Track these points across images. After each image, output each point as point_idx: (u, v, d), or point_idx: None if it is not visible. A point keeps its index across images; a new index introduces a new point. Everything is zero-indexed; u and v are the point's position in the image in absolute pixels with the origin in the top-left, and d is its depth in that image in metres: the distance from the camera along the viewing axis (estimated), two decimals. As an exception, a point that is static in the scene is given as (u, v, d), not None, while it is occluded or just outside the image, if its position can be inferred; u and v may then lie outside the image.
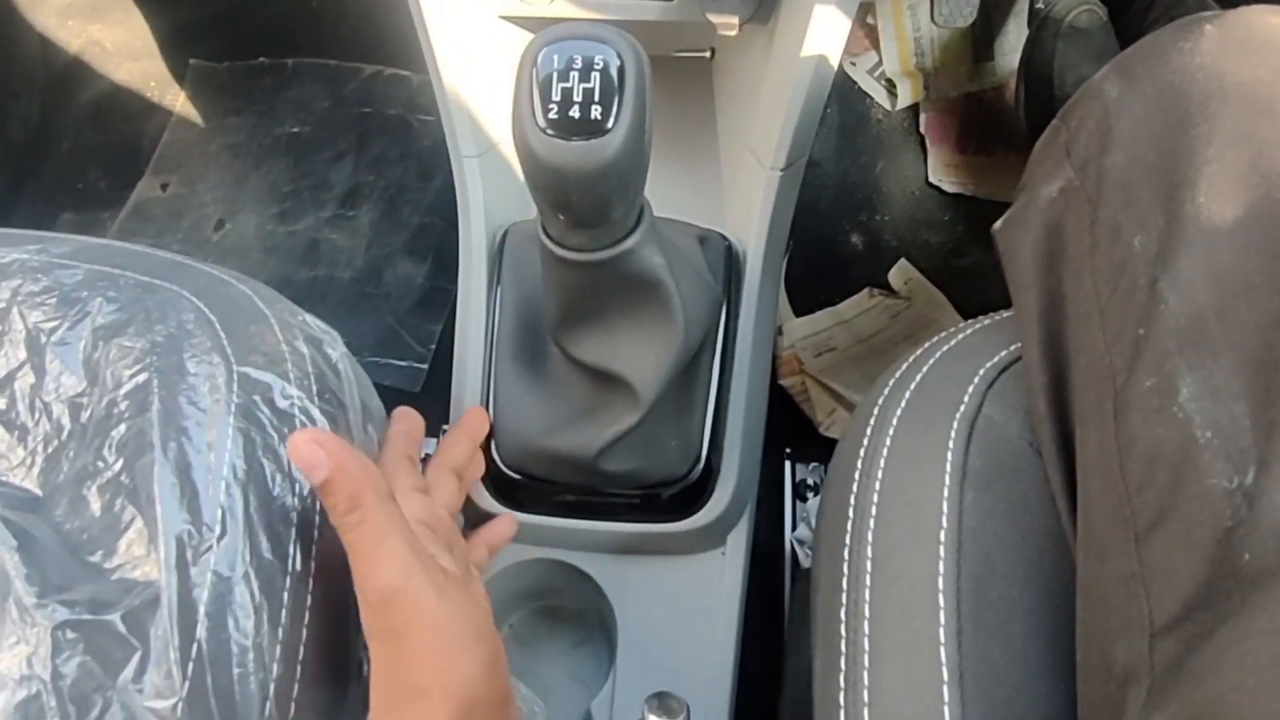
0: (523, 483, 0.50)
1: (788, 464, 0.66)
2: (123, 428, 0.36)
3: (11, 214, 1.06)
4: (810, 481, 0.66)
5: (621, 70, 0.33)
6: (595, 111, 0.33)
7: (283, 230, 1.03)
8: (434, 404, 0.66)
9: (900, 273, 0.95)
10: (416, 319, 0.97)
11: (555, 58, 0.33)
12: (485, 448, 0.51)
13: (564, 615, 0.58)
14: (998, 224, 0.39)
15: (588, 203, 0.35)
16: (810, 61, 0.51)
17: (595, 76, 0.33)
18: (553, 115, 0.33)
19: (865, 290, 0.95)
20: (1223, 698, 0.23)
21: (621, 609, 0.51)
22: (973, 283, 0.96)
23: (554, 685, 0.55)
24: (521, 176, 0.63)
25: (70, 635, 0.32)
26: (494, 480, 0.51)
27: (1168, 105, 0.31)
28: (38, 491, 0.37)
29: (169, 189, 1.08)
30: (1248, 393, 0.26)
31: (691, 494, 0.50)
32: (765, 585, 0.61)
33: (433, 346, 0.95)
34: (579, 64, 0.33)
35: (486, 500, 0.51)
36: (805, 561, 0.59)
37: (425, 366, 0.94)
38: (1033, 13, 0.91)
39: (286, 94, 1.10)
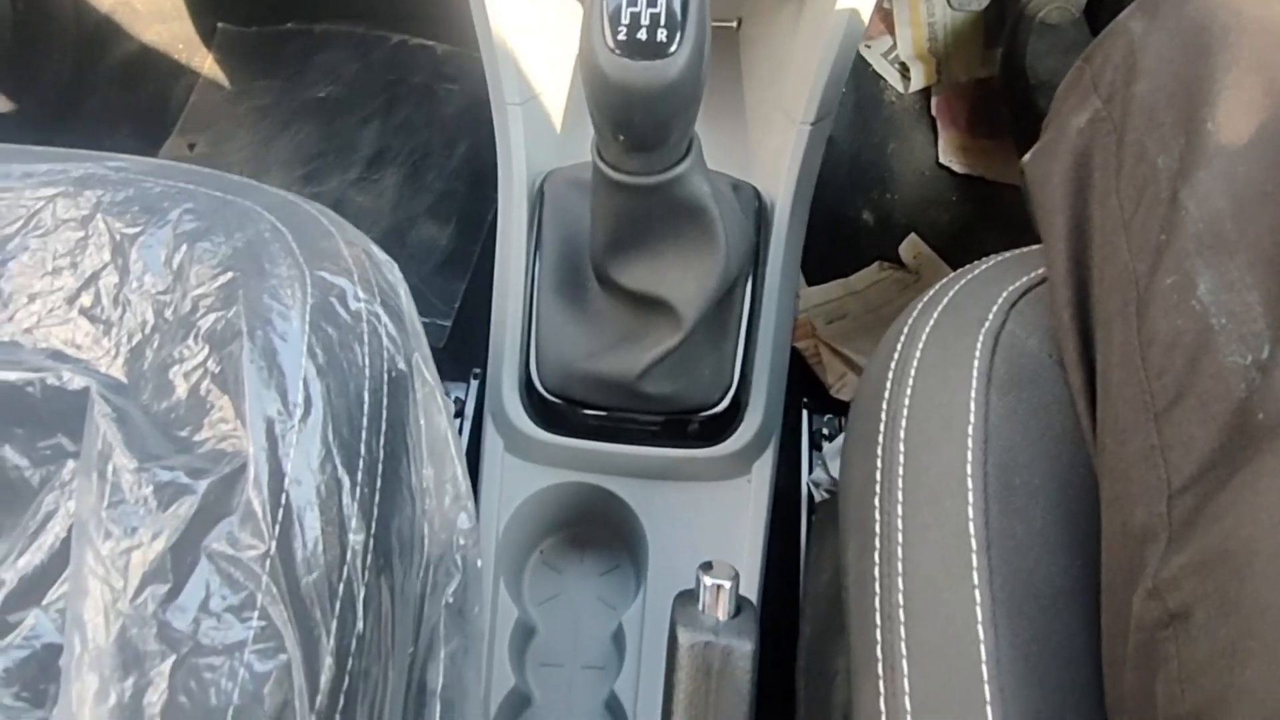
0: (562, 407, 0.53)
1: (805, 413, 0.69)
2: (210, 318, 0.38)
3: (41, 168, 1.08)
4: (825, 431, 0.69)
5: None
6: (661, 34, 0.36)
7: (309, 191, 1.05)
8: (457, 360, 0.69)
9: (910, 247, 0.98)
10: (441, 279, 0.99)
11: None
12: (526, 373, 0.53)
13: (593, 544, 0.60)
14: (1027, 156, 0.41)
15: (649, 123, 0.38)
16: (843, 17, 0.54)
17: (661, 2, 0.36)
18: (621, 37, 0.36)
19: (875, 263, 0.98)
20: (1235, 534, 0.26)
21: (652, 530, 0.54)
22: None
23: (583, 607, 0.58)
24: (558, 127, 0.66)
25: (167, 498, 0.34)
26: (533, 405, 0.54)
27: (1190, 38, 0.34)
28: (123, 379, 0.39)
29: (196, 149, 1.11)
30: (1260, 284, 0.29)
31: (721, 422, 0.53)
32: (782, 526, 0.64)
33: (456, 305, 0.97)
34: None
35: (525, 424, 0.54)
36: (820, 498, 0.62)
37: (448, 324, 0.96)
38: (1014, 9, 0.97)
39: (314, 59, 1.12)
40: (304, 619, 0.33)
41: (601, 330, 0.51)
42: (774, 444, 0.55)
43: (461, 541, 0.43)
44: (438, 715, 0.43)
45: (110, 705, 0.30)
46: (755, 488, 0.54)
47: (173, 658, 0.31)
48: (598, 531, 0.60)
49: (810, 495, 0.64)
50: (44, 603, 0.36)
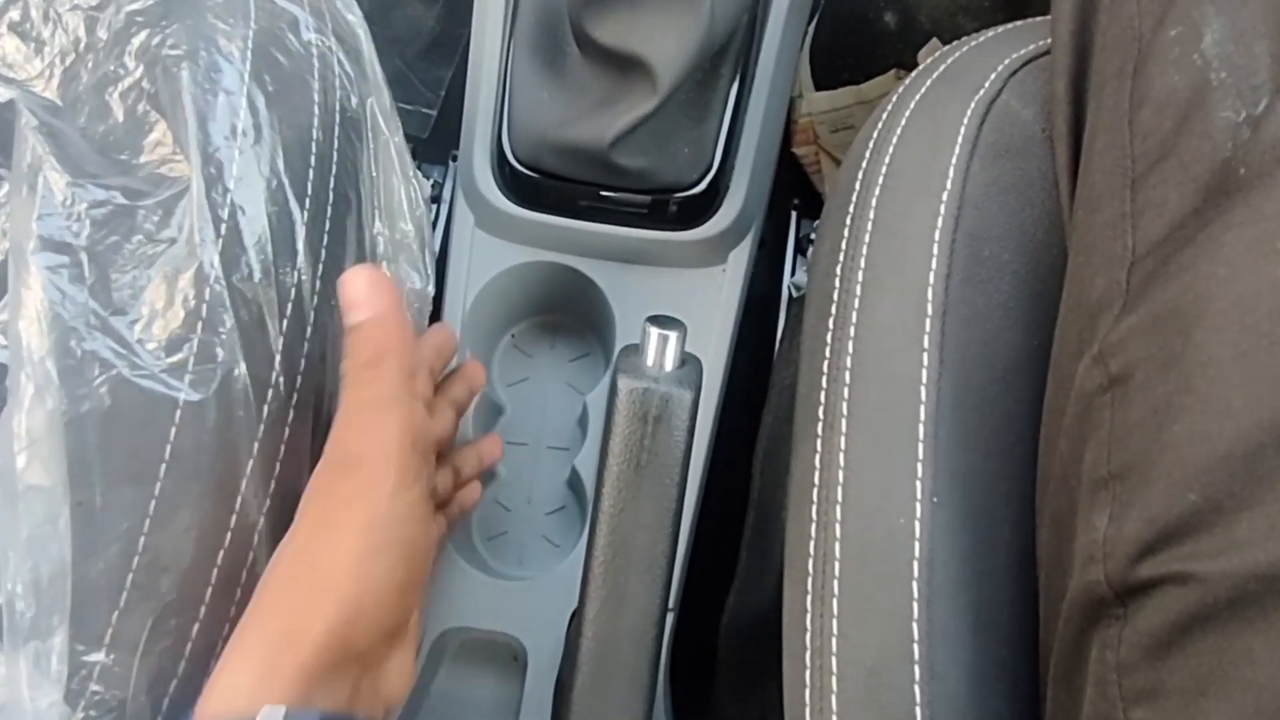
0: (534, 181, 0.51)
1: (794, 214, 0.67)
2: (143, 35, 0.36)
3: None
4: (812, 236, 0.67)
5: None
6: None
7: (288, -43, 0.97)
8: (440, 147, 0.66)
9: (930, 52, 0.91)
10: (426, 64, 0.94)
11: None
12: (498, 143, 0.51)
13: (565, 331, 0.60)
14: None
15: None
16: None
17: None
18: None
19: (892, 71, 0.91)
20: (1193, 288, 0.24)
21: (621, 315, 0.53)
22: (1002, 76, 0.93)
23: (551, 391, 0.59)
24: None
25: (105, 214, 0.33)
26: (505, 178, 0.52)
27: None
28: (58, 102, 0.37)
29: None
30: (1273, 32, 0.26)
31: (700, 206, 0.51)
32: (760, 327, 0.63)
33: (441, 93, 0.92)
34: None
35: (496, 196, 0.52)
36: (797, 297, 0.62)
37: (434, 112, 0.92)
38: None
39: None
40: (251, 343, 0.33)
41: (577, 96, 0.48)
42: (753, 234, 0.54)
43: (414, 303, 0.42)
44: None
45: (49, 409, 0.31)
46: (729, 277, 0.53)
47: (114, 370, 0.31)
48: (570, 320, 0.59)
49: (790, 295, 0.63)
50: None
